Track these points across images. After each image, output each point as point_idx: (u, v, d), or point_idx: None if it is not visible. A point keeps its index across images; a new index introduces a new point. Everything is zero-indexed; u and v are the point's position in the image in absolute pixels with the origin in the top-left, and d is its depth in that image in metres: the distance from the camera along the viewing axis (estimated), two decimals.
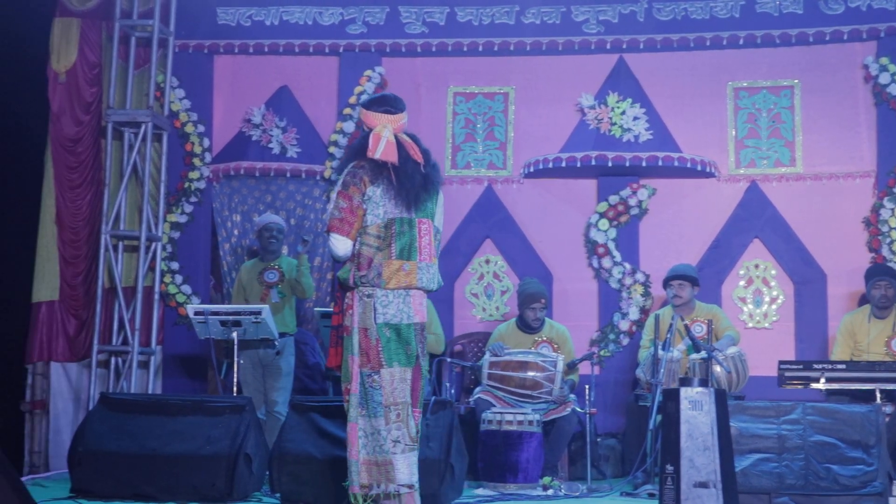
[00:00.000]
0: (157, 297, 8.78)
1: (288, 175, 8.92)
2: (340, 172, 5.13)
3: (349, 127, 8.87)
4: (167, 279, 8.94)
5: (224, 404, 6.69)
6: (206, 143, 9.06)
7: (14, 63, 9.16)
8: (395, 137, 5.12)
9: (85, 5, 8.94)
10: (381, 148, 5.03)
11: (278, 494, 6.40)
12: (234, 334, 7.34)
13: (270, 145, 8.95)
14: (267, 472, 6.63)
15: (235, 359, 7.36)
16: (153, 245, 8.80)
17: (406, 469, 5.00)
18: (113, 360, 8.74)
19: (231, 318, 7.36)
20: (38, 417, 8.89)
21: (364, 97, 8.78)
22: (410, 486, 5.01)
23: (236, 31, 9.07)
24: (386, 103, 5.22)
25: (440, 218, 5.34)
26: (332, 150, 8.90)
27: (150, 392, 8.66)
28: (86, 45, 8.99)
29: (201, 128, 9.05)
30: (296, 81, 9.11)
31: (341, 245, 4.99)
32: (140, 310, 8.66)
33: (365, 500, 4.99)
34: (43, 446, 8.83)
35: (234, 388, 7.34)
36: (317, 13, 9.03)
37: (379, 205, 5.01)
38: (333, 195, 5.07)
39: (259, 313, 7.34)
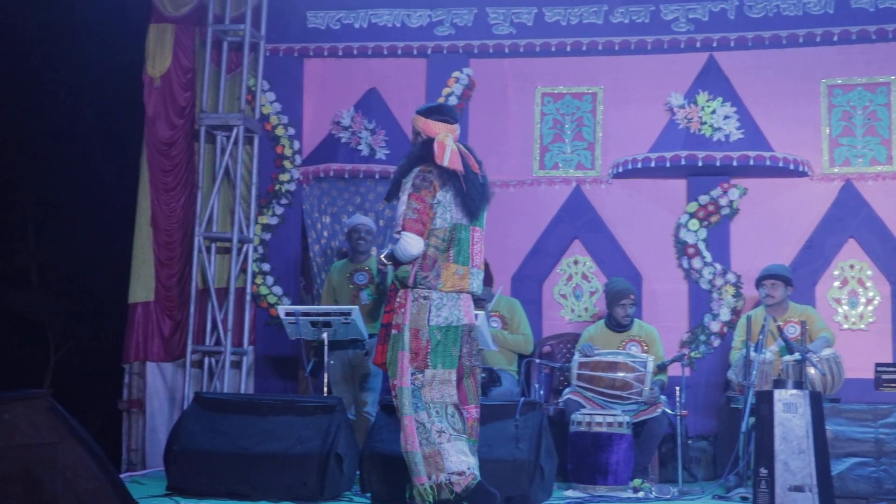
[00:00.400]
0: (248, 298, 8.90)
1: (377, 176, 8.97)
2: (402, 177, 5.29)
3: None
4: (258, 280, 9.05)
5: (315, 404, 6.75)
6: (297, 145, 9.16)
7: (111, 69, 9.40)
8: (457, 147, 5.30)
9: (179, 11, 9.10)
10: (448, 156, 5.21)
11: (369, 494, 6.44)
12: (325, 335, 7.39)
13: (359, 147, 9.02)
14: (357, 472, 6.67)
15: (325, 359, 7.42)
16: (245, 247, 8.92)
17: (455, 455, 5.16)
18: (206, 360, 8.87)
19: (321, 318, 7.42)
20: (134, 416, 9.06)
21: (452, 98, 8.81)
22: (460, 474, 5.15)
23: (326, 35, 9.14)
24: (444, 113, 5.45)
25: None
26: None
27: (242, 392, 8.77)
28: (180, 50, 9.15)
29: (291, 130, 9.15)
30: (384, 83, 9.15)
31: (416, 244, 5.14)
32: (232, 311, 8.79)
33: (431, 490, 5.17)
34: (140, 444, 8.99)
35: (325, 389, 7.40)
36: (405, 15, 9.08)
37: (447, 209, 5.22)
38: (404, 197, 5.20)
39: (349, 314, 7.39)
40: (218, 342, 8.81)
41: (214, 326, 8.85)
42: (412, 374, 5.19)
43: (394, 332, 5.27)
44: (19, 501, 4.19)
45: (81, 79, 10.62)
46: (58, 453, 4.35)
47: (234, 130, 8.82)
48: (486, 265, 8.14)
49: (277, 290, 9.05)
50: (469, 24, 9.02)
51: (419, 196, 5.16)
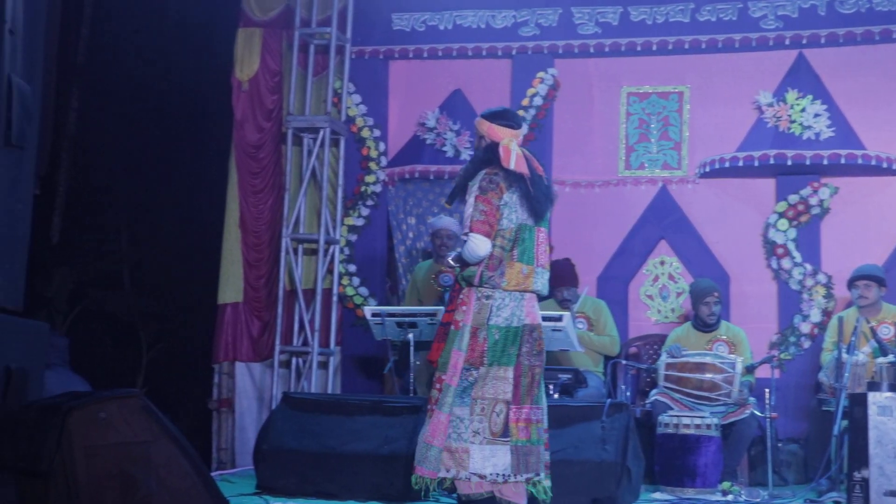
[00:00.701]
0: (335, 298, 8.97)
1: None
2: (468, 180, 5.41)
3: (522, 129, 8.85)
4: (345, 281, 9.12)
5: (401, 405, 6.78)
6: (382, 147, 9.21)
7: (200, 73, 9.52)
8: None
9: (267, 15, 9.22)
10: (514, 159, 5.34)
11: (455, 494, 6.45)
12: (410, 335, 7.41)
13: (444, 148, 9.04)
14: None
15: (411, 360, 7.45)
16: (331, 248, 8.99)
17: (480, 459, 5.26)
18: (294, 360, 8.96)
19: (407, 319, 7.44)
20: (224, 415, 9.18)
21: (536, 99, 8.79)
22: (482, 476, 5.27)
23: (411, 37, 9.18)
24: (509, 118, 5.59)
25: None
26: None
27: (329, 392, 8.84)
28: (267, 53, 9.27)
29: (377, 132, 9.21)
30: (469, 85, 9.16)
31: (483, 245, 5.24)
32: (319, 311, 8.87)
33: (439, 485, 5.33)
34: (229, 443, 9.11)
35: (410, 389, 7.43)
36: (490, 16, 9.08)
37: (513, 210, 5.33)
38: (471, 199, 5.31)
39: (434, 314, 7.41)
40: (305, 343, 8.89)
41: (302, 327, 8.94)
42: (465, 371, 5.30)
43: (452, 328, 5.36)
44: (115, 498, 4.27)
45: (172, 83, 10.78)
46: (151, 452, 4.43)
47: (321, 133, 8.90)
48: (572, 266, 8.13)
49: (363, 290, 9.11)
50: (554, 24, 8.99)
51: (486, 198, 5.28)
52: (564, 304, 8.02)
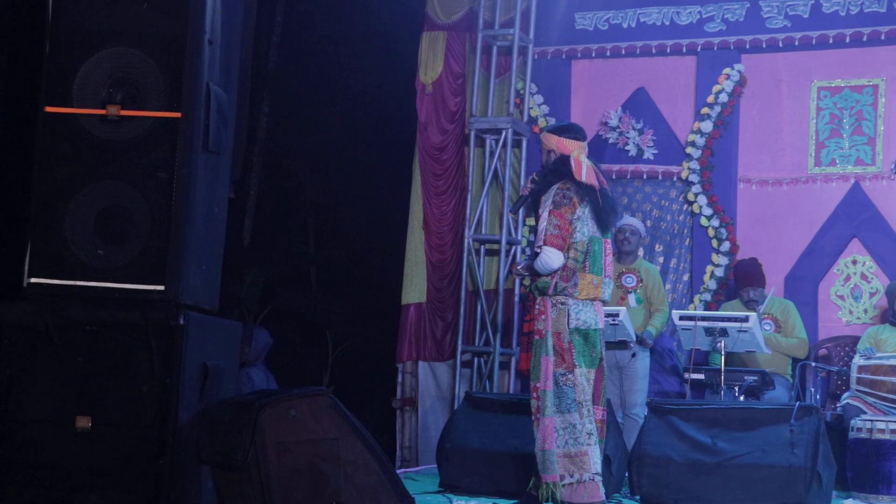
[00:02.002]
0: (517, 299, 8.99)
1: (644, 177, 8.90)
2: (541, 193, 5.61)
3: (707, 127, 8.72)
4: (526, 282, 9.08)
5: None
6: None
7: (385, 77, 9.70)
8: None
9: (450, 18, 9.33)
10: (585, 172, 5.58)
11: (638, 497, 6.39)
12: None
13: (627, 147, 8.96)
14: (626, 474, 6.63)
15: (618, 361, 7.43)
16: (513, 248, 9.02)
17: (597, 459, 5.57)
18: (476, 360, 9.01)
19: None
20: (407, 414, 9.31)
21: (722, 96, 8.63)
22: (597, 474, 5.58)
23: (593, 36, 9.13)
24: (575, 131, 5.83)
25: None
26: (689, 150, 8.78)
27: (510, 392, 8.87)
28: (451, 56, 9.37)
29: None
30: (652, 83, 9.05)
31: (557, 258, 5.49)
32: (501, 312, 8.90)
33: (556, 489, 5.51)
34: (413, 441, 9.24)
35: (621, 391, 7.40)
36: (674, 13, 8.95)
37: (585, 223, 5.57)
38: (545, 213, 5.53)
39: (617, 315, 7.36)
40: (487, 343, 8.93)
41: (484, 327, 8.99)
42: (562, 376, 5.53)
43: (536, 338, 5.60)
44: (305, 493, 4.39)
45: (357, 87, 11.01)
46: (340, 448, 4.53)
47: (503, 134, 8.94)
48: (759, 265, 7.96)
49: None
50: (741, 18, 8.79)
51: (559, 213, 5.51)
52: (751, 304, 7.85)
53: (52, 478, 4.68)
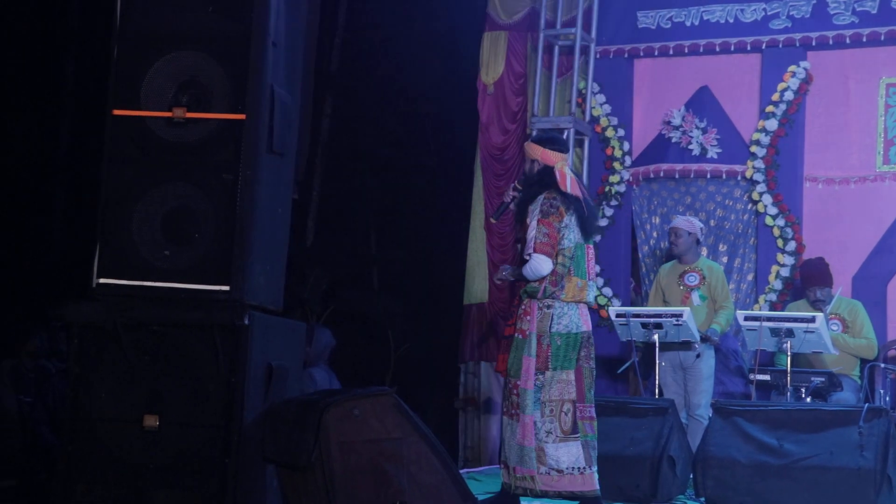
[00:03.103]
0: None
1: (708, 176, 8.83)
2: (529, 202, 5.83)
3: (772, 125, 8.63)
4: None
5: (647, 406, 6.72)
6: (626, 146, 9.14)
7: (447, 77, 9.72)
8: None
9: (512, 18, 9.34)
10: (569, 183, 5.83)
11: (702, 499, 6.34)
12: (655, 336, 7.35)
13: (690, 146, 8.89)
14: (691, 476, 6.58)
15: (657, 361, 7.38)
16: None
17: (555, 456, 5.70)
18: None
19: (653, 320, 7.37)
20: (470, 414, 9.33)
21: (787, 93, 8.54)
22: (559, 471, 5.70)
23: (656, 34, 9.08)
24: (559, 143, 6.10)
25: None
26: (753, 149, 8.70)
27: None
28: (512, 56, 9.38)
29: (621, 132, 9.15)
30: (716, 81, 8.98)
31: (546, 265, 5.72)
32: None
33: (533, 482, 5.73)
34: (475, 441, 9.25)
35: (656, 391, 7.35)
36: (738, 10, 8.87)
37: (572, 231, 5.79)
38: (533, 222, 5.76)
39: (680, 315, 7.31)
40: None
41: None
42: (536, 375, 5.75)
43: (518, 336, 5.82)
44: (369, 493, 4.41)
45: (418, 88, 11.05)
46: (403, 448, 4.54)
47: (565, 133, 8.91)
48: (826, 265, 7.86)
49: (607, 291, 9.06)
50: (807, 15, 8.69)
51: (548, 221, 5.74)
52: (817, 304, 7.76)
53: (120, 476, 4.73)
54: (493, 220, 6.19)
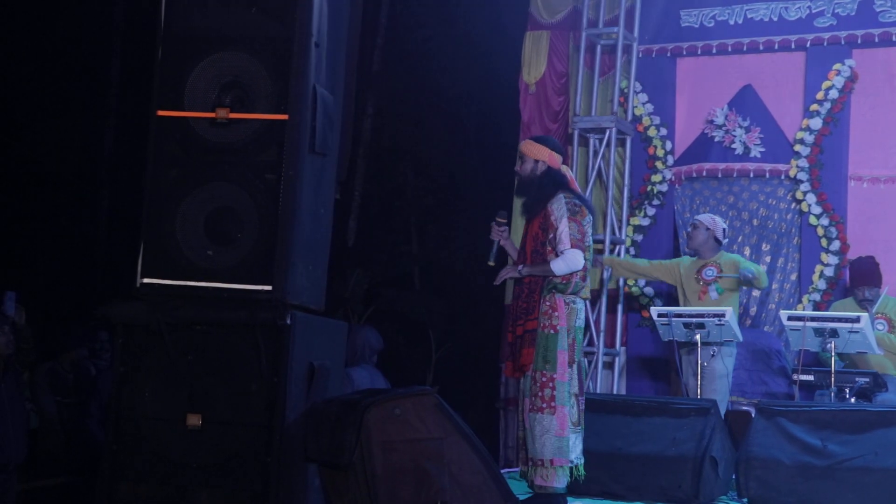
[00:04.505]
0: (621, 299, 8.93)
1: (751, 175, 8.77)
2: (546, 200, 5.93)
3: (816, 124, 8.56)
4: (630, 282, 9.05)
5: (689, 406, 6.68)
6: (669, 146, 9.10)
7: (488, 77, 9.73)
8: None
9: (554, 17, 9.33)
10: (576, 184, 6.12)
11: (745, 500, 6.30)
12: (698, 336, 7.31)
13: (733, 146, 8.83)
14: (733, 476, 6.54)
15: (698, 361, 7.34)
16: (617, 248, 8.96)
17: (577, 446, 5.94)
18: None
19: (695, 320, 7.33)
20: (511, 414, 9.31)
21: (832, 92, 8.46)
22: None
23: (699, 33, 9.04)
24: (558, 145, 6.26)
25: None
26: (797, 148, 8.63)
27: (614, 392, 8.81)
28: (554, 55, 9.37)
29: (664, 131, 9.11)
30: (759, 80, 8.92)
31: (580, 260, 5.88)
32: (605, 312, 8.85)
33: (576, 471, 5.92)
34: (516, 441, 9.22)
35: (698, 391, 7.31)
36: (782, 8, 8.80)
37: (589, 230, 6.01)
38: (564, 219, 5.89)
39: (723, 315, 7.26)
40: (590, 343, 8.89)
41: (587, 327, 8.94)
42: (568, 369, 5.90)
43: (549, 332, 5.91)
44: (410, 492, 4.42)
45: (460, 88, 11.07)
46: (444, 448, 4.55)
47: (607, 133, 8.90)
48: (876, 264, 7.79)
49: (649, 291, 9.02)
50: (852, 13, 8.61)
51: (576, 220, 5.91)
52: (864, 304, 7.68)
53: (163, 474, 4.78)
54: (490, 264, 6.25)
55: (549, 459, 5.87)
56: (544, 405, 5.89)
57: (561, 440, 5.87)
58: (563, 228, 5.91)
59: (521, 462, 6.12)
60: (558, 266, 5.88)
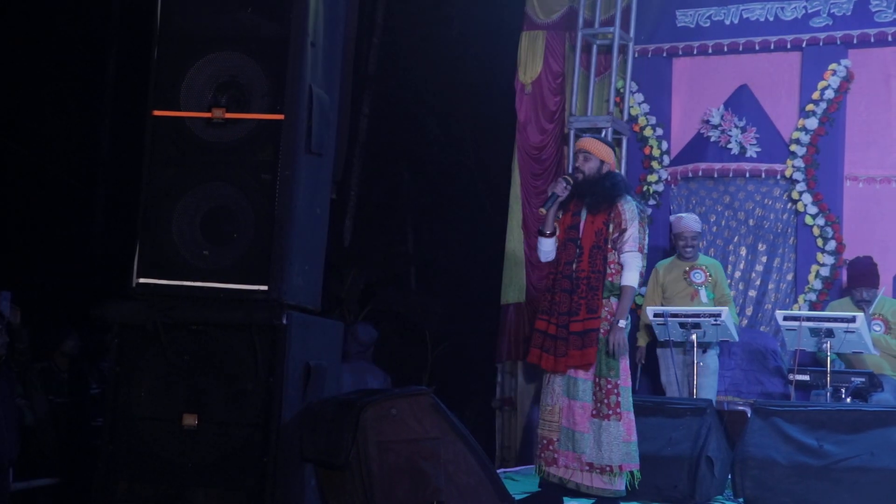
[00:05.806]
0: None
1: (747, 175, 8.78)
2: (617, 197, 5.91)
3: (812, 124, 8.57)
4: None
5: (685, 406, 6.68)
6: (665, 146, 9.10)
7: (484, 77, 9.72)
8: None
9: (550, 17, 9.33)
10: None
11: (741, 500, 6.31)
12: (693, 336, 7.31)
13: (729, 146, 8.84)
14: (729, 476, 6.55)
15: (694, 361, 7.35)
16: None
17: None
18: None
19: (691, 320, 7.34)
20: (507, 414, 9.32)
21: (828, 92, 8.47)
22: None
23: (695, 33, 9.04)
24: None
25: None
26: (793, 148, 8.64)
27: None
28: (550, 55, 9.37)
29: (660, 131, 9.11)
30: (755, 79, 8.92)
31: (642, 263, 5.97)
32: None
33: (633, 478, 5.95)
34: (513, 441, 9.24)
35: (694, 391, 7.32)
36: (778, 8, 8.81)
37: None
38: (635, 222, 5.89)
39: (719, 315, 7.27)
40: None
41: None
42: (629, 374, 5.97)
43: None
44: (406, 492, 4.42)
45: (456, 88, 11.06)
46: (440, 448, 4.56)
47: (603, 133, 8.89)
48: (874, 265, 7.80)
49: (643, 290, 9.01)
50: (848, 13, 8.61)
51: (643, 224, 5.97)
52: (862, 304, 7.69)
53: (160, 475, 4.77)
54: (542, 211, 6.13)
55: (619, 465, 5.88)
56: (610, 412, 5.88)
57: (629, 445, 5.90)
58: (633, 232, 5.93)
59: (543, 461, 6.04)
60: (633, 278, 5.92)
